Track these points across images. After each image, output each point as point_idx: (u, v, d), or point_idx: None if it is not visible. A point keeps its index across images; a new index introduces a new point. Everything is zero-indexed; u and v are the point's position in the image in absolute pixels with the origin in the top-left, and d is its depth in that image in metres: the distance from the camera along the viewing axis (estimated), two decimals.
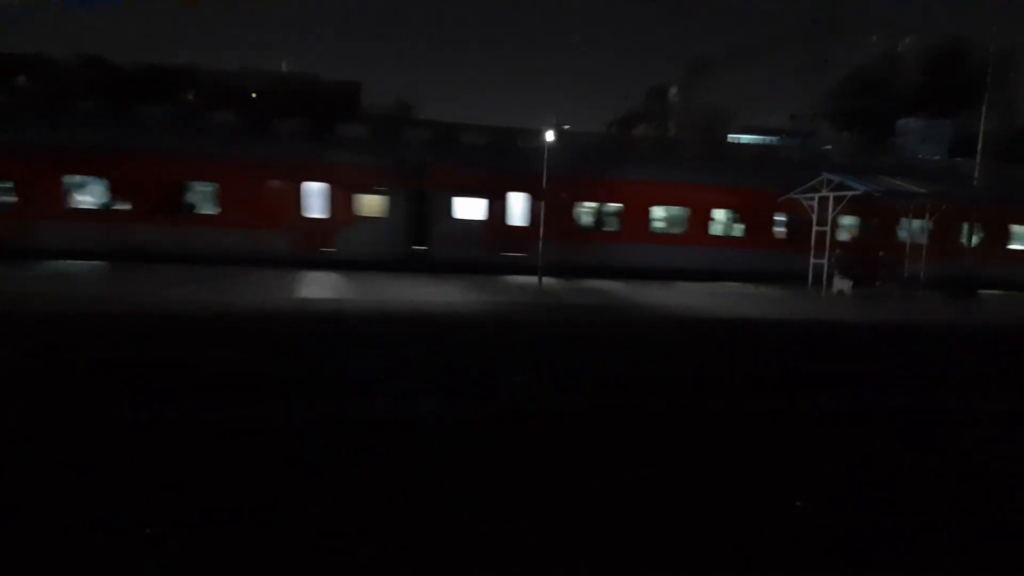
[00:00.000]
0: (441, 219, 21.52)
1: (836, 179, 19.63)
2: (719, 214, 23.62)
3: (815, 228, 20.34)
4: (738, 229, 23.84)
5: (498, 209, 21.99)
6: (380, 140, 23.36)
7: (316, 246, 20.48)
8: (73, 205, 19.76)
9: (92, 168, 19.77)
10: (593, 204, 22.78)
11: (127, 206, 19.88)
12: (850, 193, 19.10)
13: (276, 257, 19.26)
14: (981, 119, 28.83)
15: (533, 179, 18.74)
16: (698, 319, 13.32)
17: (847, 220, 23.36)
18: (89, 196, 19.95)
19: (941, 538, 4.34)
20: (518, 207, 22.09)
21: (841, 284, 19.47)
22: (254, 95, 48.70)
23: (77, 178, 19.85)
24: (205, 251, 19.12)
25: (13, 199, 19.28)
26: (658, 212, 23.25)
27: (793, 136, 58.30)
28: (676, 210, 23.39)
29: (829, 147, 44.89)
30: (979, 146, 27.85)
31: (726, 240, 23.63)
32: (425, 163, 21.45)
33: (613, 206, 22.85)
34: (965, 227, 23.73)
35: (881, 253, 21.36)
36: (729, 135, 56.62)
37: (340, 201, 20.87)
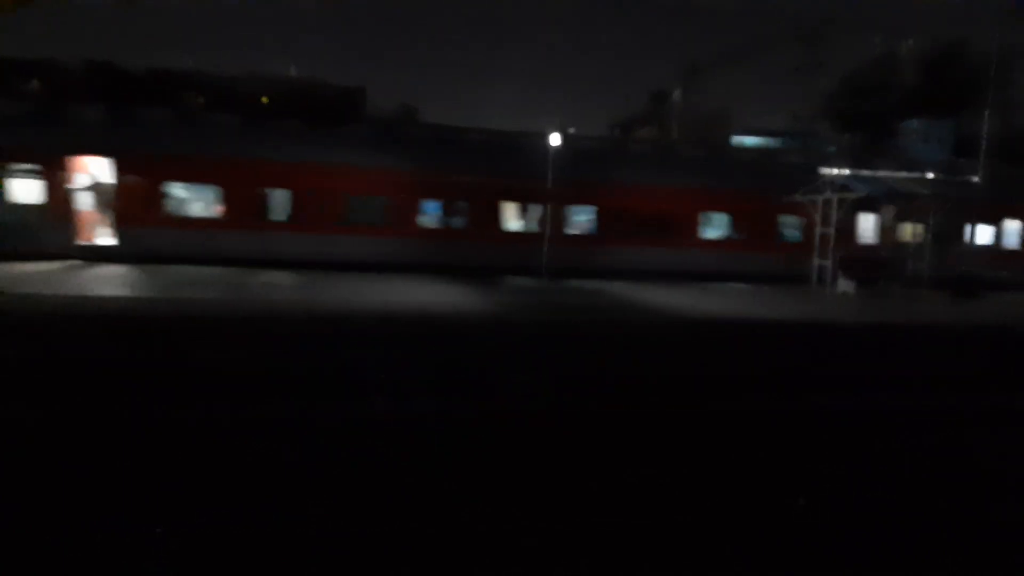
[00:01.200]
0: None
1: (840, 180, 19.63)
2: None
3: (819, 229, 20.35)
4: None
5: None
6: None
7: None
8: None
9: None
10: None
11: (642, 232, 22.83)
12: (854, 195, 19.09)
13: (771, 273, 22.16)
14: (985, 120, 28.72)
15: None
16: (702, 319, 13.30)
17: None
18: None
19: (941, 538, 4.32)
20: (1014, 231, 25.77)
21: (845, 285, 19.42)
22: (264, 100, 48.80)
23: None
24: (711, 269, 22.40)
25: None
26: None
27: (795, 138, 58.20)
28: None
29: (833, 149, 44.77)
30: (983, 147, 27.73)
31: None
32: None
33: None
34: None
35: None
36: (733, 136, 56.53)
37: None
